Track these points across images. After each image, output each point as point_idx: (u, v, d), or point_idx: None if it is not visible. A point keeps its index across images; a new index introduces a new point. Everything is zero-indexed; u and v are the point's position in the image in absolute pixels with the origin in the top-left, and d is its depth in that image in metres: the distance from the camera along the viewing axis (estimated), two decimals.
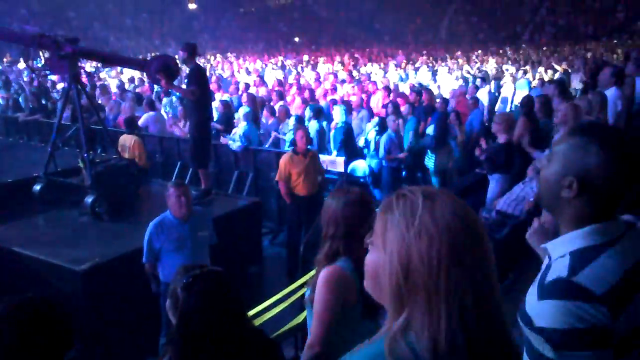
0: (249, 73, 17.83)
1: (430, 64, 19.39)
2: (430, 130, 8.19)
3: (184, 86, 6.63)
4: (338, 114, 8.62)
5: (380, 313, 1.16)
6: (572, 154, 1.45)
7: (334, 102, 10.39)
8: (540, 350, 1.42)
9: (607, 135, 1.46)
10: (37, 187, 6.12)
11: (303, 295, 2.64)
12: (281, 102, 10.28)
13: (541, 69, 15.19)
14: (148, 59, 6.80)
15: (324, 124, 8.81)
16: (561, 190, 1.46)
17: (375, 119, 8.55)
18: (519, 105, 7.37)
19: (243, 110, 8.68)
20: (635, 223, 1.62)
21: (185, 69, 7.32)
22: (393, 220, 1.06)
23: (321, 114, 8.69)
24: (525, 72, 14.55)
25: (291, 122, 8.34)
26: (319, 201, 6.22)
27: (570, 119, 4.96)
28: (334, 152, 8.22)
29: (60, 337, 1.78)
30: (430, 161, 8.06)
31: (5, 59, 25.12)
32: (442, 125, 8.08)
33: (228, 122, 9.39)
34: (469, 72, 16.48)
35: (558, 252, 1.47)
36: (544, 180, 1.54)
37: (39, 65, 7.31)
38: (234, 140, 8.24)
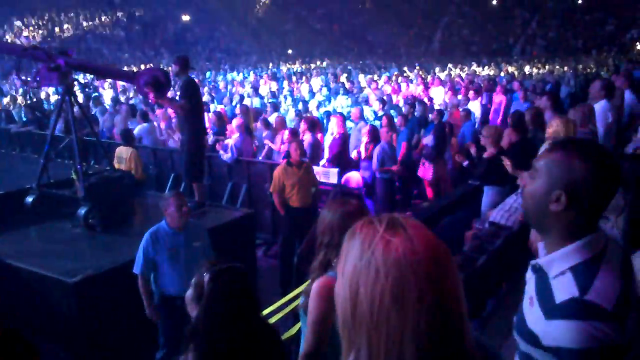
0: (243, 85, 17.89)
1: (423, 76, 19.51)
2: (428, 140, 8.24)
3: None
4: (334, 125, 8.65)
5: None
6: (556, 168, 1.47)
7: (328, 113, 10.42)
8: None
9: (586, 147, 1.48)
10: (30, 199, 6.09)
11: (297, 306, 2.64)
12: (276, 114, 10.31)
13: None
14: (137, 71, 6.76)
15: (318, 136, 8.84)
16: (549, 204, 1.47)
17: (366, 128, 8.58)
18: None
19: (235, 121, 8.71)
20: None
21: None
22: (353, 247, 1.01)
23: (316, 126, 8.71)
24: (520, 84, 14.63)
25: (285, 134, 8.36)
26: (313, 213, 6.23)
27: (562, 134, 5.01)
28: (322, 162, 8.23)
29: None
30: (427, 172, 8.10)
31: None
32: (441, 136, 8.16)
33: (220, 133, 9.42)
34: (460, 84, 16.59)
35: (556, 269, 1.48)
36: (530, 197, 1.55)
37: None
38: (226, 151, 8.26)
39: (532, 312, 1.51)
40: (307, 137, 8.12)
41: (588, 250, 1.45)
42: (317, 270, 2.30)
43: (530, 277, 1.63)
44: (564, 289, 1.42)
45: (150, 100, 7.08)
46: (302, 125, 8.49)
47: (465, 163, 6.16)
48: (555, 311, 1.40)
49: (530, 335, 1.49)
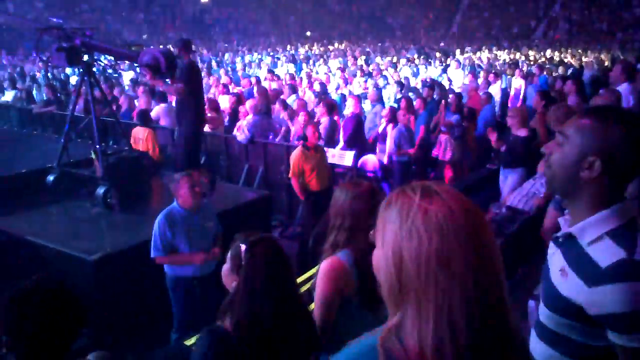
0: (259, 67, 17.86)
1: (442, 59, 19.28)
2: (453, 118, 8.22)
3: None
4: (351, 106, 8.60)
5: (380, 305, 1.15)
6: (589, 134, 1.43)
7: (344, 96, 10.36)
8: (584, 340, 1.44)
9: (621, 113, 1.45)
10: (51, 178, 6.19)
11: (310, 287, 2.68)
12: (294, 96, 10.28)
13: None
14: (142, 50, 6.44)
15: (335, 118, 8.80)
16: (579, 171, 1.45)
17: (386, 110, 8.53)
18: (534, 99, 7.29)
19: (250, 102, 8.71)
20: None
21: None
22: (390, 218, 1.04)
23: (334, 108, 8.64)
24: (541, 69, 14.39)
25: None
26: (331, 195, 6.22)
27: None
28: (339, 145, 8.19)
29: (75, 315, 1.85)
30: (446, 152, 8.06)
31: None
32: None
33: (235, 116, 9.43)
34: (480, 67, 16.38)
35: (591, 235, 1.45)
36: (558, 164, 1.51)
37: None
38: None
39: (567, 283, 1.47)
40: (324, 120, 8.08)
41: (622, 217, 1.43)
42: (328, 251, 2.31)
43: (554, 252, 1.60)
44: (607, 253, 1.39)
45: (148, 81, 6.93)
46: (321, 108, 8.44)
47: (503, 148, 6.05)
48: (602, 277, 1.36)
49: (567, 307, 1.46)
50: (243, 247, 2.09)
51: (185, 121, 6.08)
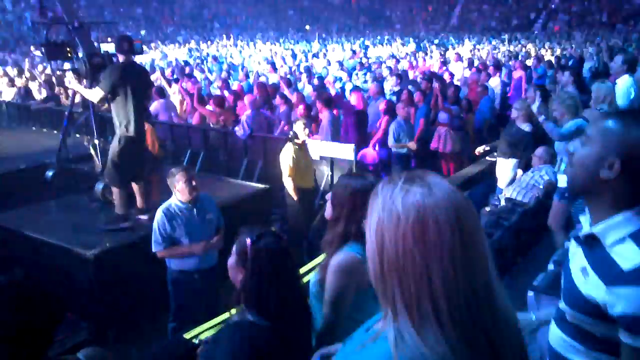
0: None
1: (441, 52, 19.23)
2: (453, 110, 8.20)
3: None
4: (355, 101, 8.58)
5: None
6: (612, 135, 1.46)
7: (344, 89, 10.33)
8: (605, 335, 1.46)
9: None
10: (49, 174, 6.19)
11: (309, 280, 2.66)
12: (287, 91, 10.24)
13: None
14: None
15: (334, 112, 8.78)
16: (600, 171, 1.46)
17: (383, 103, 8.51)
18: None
19: (248, 97, 8.69)
20: None
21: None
22: (376, 204, 1.06)
23: (332, 102, 8.63)
24: (540, 60, 14.35)
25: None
26: (315, 191, 6.18)
27: (601, 99, 5.07)
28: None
29: (47, 310, 1.84)
30: (446, 144, 8.05)
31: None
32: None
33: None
34: (480, 59, 16.34)
35: (614, 237, 1.46)
36: (580, 164, 1.54)
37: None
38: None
39: (588, 283, 1.49)
40: (325, 114, 8.02)
41: None
42: (334, 243, 2.28)
43: (575, 251, 1.62)
44: (629, 255, 1.41)
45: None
46: (318, 105, 8.36)
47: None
48: (622, 278, 1.38)
49: (587, 305, 1.48)
50: (249, 240, 2.14)
51: (119, 128, 5.31)
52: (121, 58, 5.24)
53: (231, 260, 2.26)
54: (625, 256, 1.41)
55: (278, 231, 2.34)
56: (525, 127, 5.84)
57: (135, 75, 5.29)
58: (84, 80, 5.61)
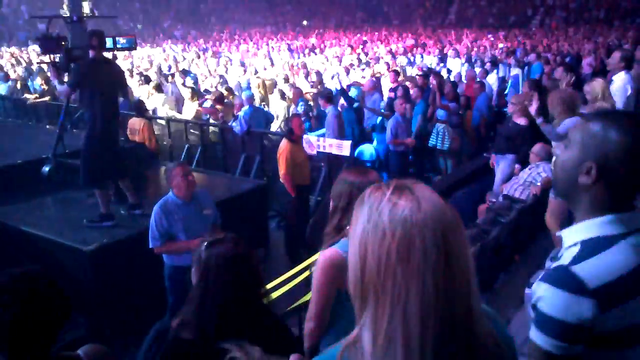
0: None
1: (439, 48, 19.20)
2: (452, 106, 8.20)
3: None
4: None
5: None
6: (590, 139, 1.41)
7: (341, 85, 10.30)
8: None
9: (626, 120, 1.42)
10: (46, 169, 6.17)
11: (308, 276, 2.68)
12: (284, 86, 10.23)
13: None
14: None
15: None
16: (579, 176, 1.43)
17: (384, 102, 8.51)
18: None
19: (245, 93, 8.68)
20: None
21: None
22: (362, 212, 1.02)
23: (332, 97, 8.58)
24: (538, 56, 14.34)
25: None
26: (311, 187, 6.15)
27: (599, 96, 5.05)
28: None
29: (58, 308, 1.81)
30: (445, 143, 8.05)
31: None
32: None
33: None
34: (478, 56, 16.32)
35: (571, 240, 1.44)
36: (560, 167, 1.51)
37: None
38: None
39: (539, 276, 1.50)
40: (329, 110, 7.98)
41: (609, 228, 1.39)
42: (331, 233, 2.30)
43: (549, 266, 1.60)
44: (564, 258, 1.40)
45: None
46: (320, 101, 8.33)
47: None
48: (544, 275, 1.39)
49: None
50: (202, 246, 2.06)
51: (87, 127, 5.21)
52: (91, 54, 5.14)
53: (193, 267, 2.21)
54: (563, 258, 1.40)
55: (241, 239, 2.18)
56: (522, 121, 5.83)
57: (104, 72, 5.18)
58: (65, 75, 5.57)
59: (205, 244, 2.06)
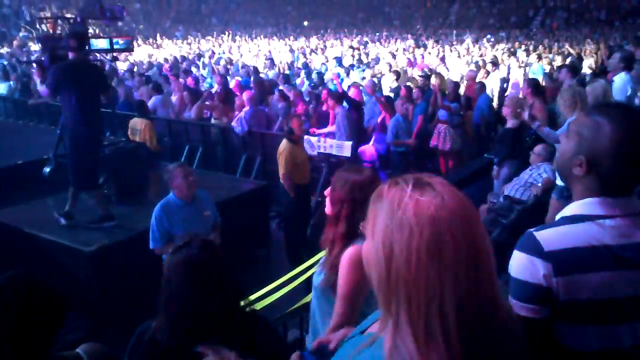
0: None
1: (440, 49, 19.20)
2: (453, 107, 8.19)
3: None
4: (353, 95, 8.54)
5: None
6: (585, 133, 1.47)
7: (342, 85, 10.30)
8: None
9: (623, 114, 1.45)
10: (47, 169, 6.17)
11: (310, 277, 2.65)
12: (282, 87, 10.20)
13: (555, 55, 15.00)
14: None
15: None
16: (573, 167, 1.49)
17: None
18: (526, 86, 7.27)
19: (246, 94, 8.67)
20: None
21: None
22: (381, 209, 1.02)
23: (342, 98, 8.51)
24: (539, 57, 14.34)
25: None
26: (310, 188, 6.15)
27: (600, 97, 5.05)
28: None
29: (50, 310, 1.80)
30: (445, 142, 8.04)
31: (15, 42, 25.18)
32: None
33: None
34: (480, 57, 16.32)
35: (557, 218, 1.54)
36: (561, 156, 1.59)
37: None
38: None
39: None
40: (339, 111, 7.94)
41: (588, 209, 1.46)
42: (339, 240, 2.22)
43: None
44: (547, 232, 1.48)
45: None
46: (330, 102, 8.27)
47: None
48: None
49: None
50: (170, 250, 2.04)
51: (68, 130, 5.18)
52: (70, 56, 5.06)
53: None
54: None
55: (212, 243, 2.13)
56: (510, 124, 5.83)
57: (84, 73, 5.11)
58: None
59: (171, 249, 2.02)
